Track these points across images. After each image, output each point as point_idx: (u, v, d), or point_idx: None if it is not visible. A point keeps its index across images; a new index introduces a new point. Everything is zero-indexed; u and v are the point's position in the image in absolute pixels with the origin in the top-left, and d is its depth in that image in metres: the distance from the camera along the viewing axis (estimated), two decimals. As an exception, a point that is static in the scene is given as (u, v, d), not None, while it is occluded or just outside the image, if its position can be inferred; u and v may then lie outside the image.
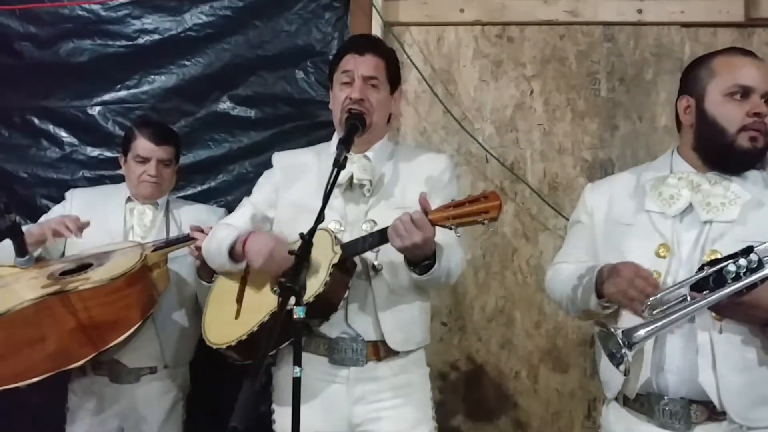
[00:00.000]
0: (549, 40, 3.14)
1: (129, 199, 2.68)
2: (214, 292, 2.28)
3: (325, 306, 2.00)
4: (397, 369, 2.13)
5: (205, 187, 3.21)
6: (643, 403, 1.83)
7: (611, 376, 1.87)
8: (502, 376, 3.10)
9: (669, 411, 1.78)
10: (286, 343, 2.00)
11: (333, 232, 2.05)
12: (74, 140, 3.26)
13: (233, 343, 2.03)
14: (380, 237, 1.96)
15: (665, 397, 1.78)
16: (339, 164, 1.86)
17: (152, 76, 3.24)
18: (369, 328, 2.09)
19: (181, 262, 2.62)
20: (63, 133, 3.26)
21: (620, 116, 3.10)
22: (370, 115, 2.14)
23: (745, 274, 1.62)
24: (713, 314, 1.73)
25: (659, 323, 1.66)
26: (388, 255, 2.03)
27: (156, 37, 3.24)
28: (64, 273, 2.40)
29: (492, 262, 3.13)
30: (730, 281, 1.63)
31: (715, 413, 1.75)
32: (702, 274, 1.67)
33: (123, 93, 3.25)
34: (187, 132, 3.17)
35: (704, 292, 1.66)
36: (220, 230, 2.22)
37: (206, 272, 2.43)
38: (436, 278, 2.00)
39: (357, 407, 2.10)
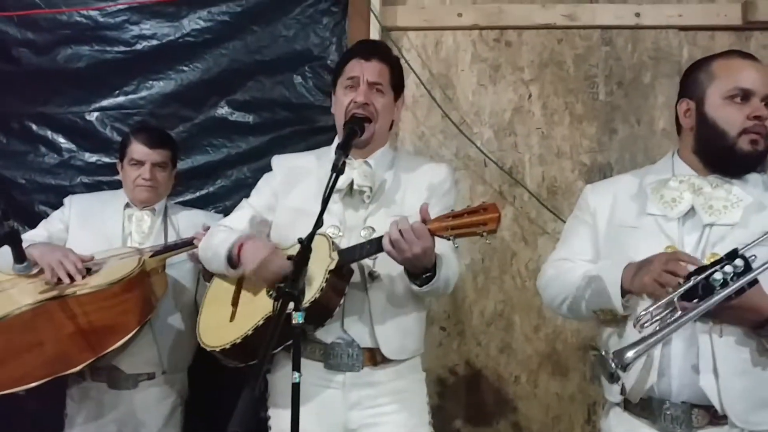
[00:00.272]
0: (547, 44, 3.14)
1: (127, 205, 2.68)
2: (210, 294, 2.28)
3: (320, 312, 1.99)
4: (393, 374, 2.12)
5: (203, 192, 3.22)
6: (644, 407, 1.82)
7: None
8: (502, 380, 3.09)
9: (671, 415, 1.77)
10: (280, 348, 2.01)
11: (331, 237, 2.05)
12: (72, 146, 3.27)
13: (227, 347, 2.02)
14: (378, 245, 1.94)
15: (667, 402, 1.78)
16: (338, 169, 1.85)
17: (150, 82, 3.25)
18: (365, 335, 2.08)
19: (179, 268, 2.63)
20: (61, 139, 3.27)
21: (618, 120, 3.10)
22: (375, 120, 2.14)
23: (732, 279, 1.63)
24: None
25: (648, 341, 1.65)
26: (385, 262, 2.01)
27: (154, 42, 3.25)
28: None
29: (491, 266, 3.12)
30: (718, 288, 1.63)
31: (716, 417, 1.74)
32: (690, 284, 1.66)
33: (121, 99, 3.26)
34: (186, 137, 3.18)
35: (694, 301, 1.65)
36: (218, 234, 2.21)
37: (210, 273, 2.43)
38: (436, 289, 1.99)
39: (353, 412, 2.09)
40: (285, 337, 1.66)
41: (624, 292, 1.79)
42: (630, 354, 1.63)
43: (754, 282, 1.63)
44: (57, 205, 2.83)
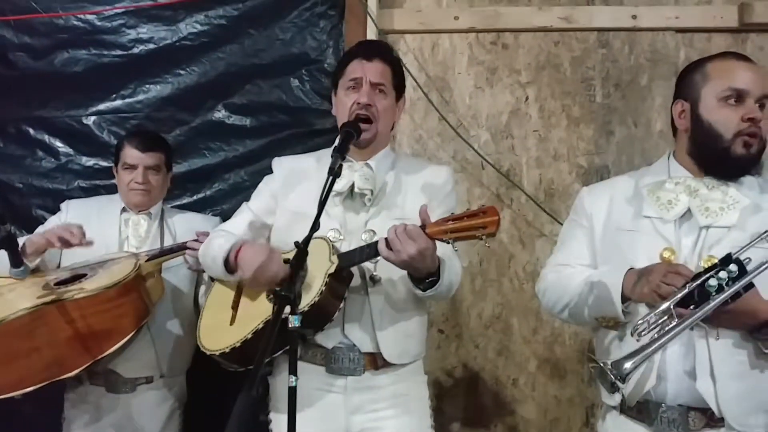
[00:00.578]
0: (544, 46, 3.15)
1: (124, 210, 2.69)
2: (210, 297, 2.27)
3: (320, 316, 1.98)
4: (394, 378, 2.11)
5: (200, 195, 3.21)
6: (641, 410, 1.82)
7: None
8: (500, 383, 3.09)
9: (667, 418, 1.77)
10: (281, 352, 1.99)
11: (331, 241, 2.04)
12: (69, 150, 3.26)
13: (227, 350, 2.02)
14: (377, 249, 1.94)
15: (663, 405, 1.78)
16: (334, 172, 1.83)
17: (147, 86, 3.25)
18: (366, 339, 2.07)
19: (176, 272, 2.63)
20: (58, 143, 3.26)
21: (615, 122, 3.10)
22: (377, 121, 2.13)
23: (727, 284, 1.63)
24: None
25: (645, 351, 1.65)
26: (387, 266, 1.99)
27: (151, 46, 3.25)
28: (59, 283, 2.40)
29: (488, 268, 3.12)
30: (714, 294, 1.63)
31: (713, 420, 1.74)
32: (685, 291, 1.66)
33: (118, 102, 3.25)
34: (183, 141, 3.19)
35: (690, 308, 1.65)
36: (216, 239, 2.19)
37: None
38: (439, 294, 1.98)
39: (355, 417, 2.08)
40: (285, 340, 1.65)
41: (624, 299, 1.79)
42: (628, 365, 1.63)
43: (750, 285, 1.63)
44: (54, 209, 2.83)
